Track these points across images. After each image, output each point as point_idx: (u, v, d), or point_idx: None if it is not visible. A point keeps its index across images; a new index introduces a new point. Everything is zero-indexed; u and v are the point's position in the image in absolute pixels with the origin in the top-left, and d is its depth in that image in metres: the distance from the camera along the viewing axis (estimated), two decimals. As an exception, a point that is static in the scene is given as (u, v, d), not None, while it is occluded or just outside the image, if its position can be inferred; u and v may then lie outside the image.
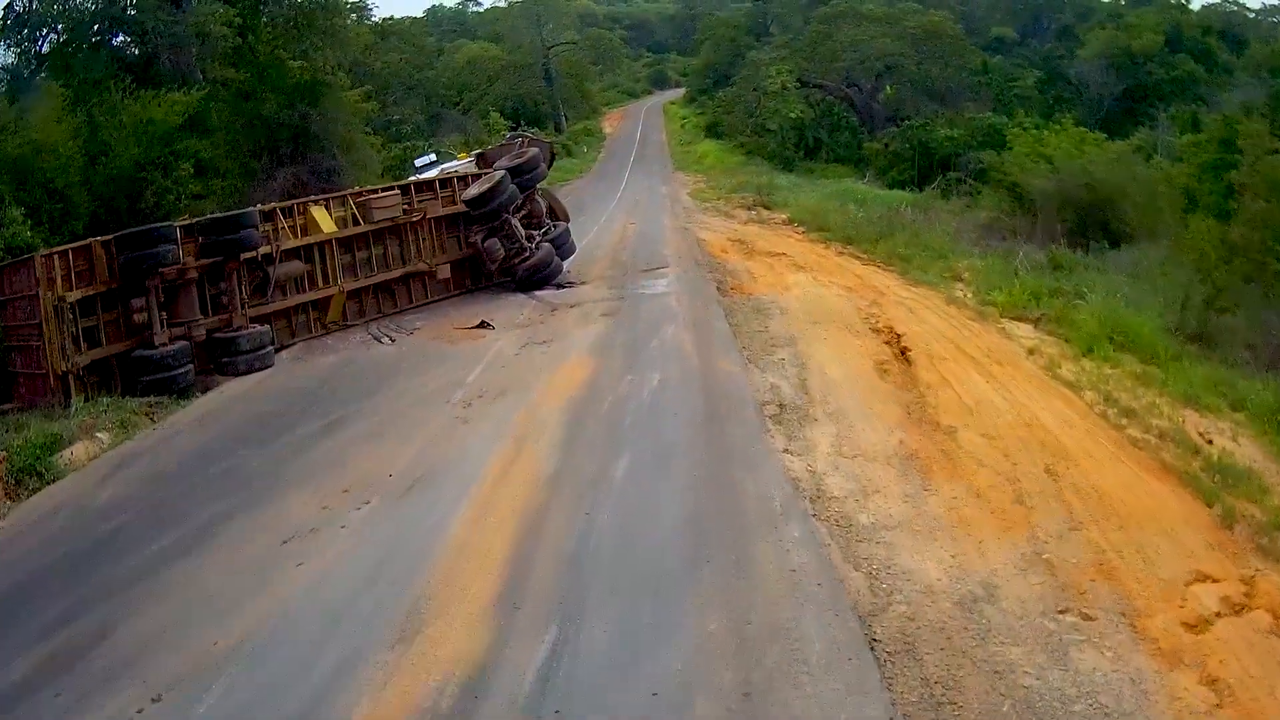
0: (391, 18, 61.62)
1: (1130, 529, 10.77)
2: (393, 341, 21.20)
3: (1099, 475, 12.20)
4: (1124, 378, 16.55)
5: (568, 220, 27.35)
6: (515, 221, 24.93)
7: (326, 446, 14.45)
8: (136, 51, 39.47)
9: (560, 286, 25.00)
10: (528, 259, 24.78)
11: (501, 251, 24.64)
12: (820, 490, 11.35)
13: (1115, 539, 10.53)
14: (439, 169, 30.54)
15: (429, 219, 24.44)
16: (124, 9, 38.65)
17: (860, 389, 15.43)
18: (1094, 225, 27.36)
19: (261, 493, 12.87)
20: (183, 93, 32.25)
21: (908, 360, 17.20)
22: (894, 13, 60.11)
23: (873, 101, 60.14)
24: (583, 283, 25.31)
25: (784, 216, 37.68)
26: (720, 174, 52.62)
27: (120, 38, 40.30)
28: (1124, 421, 14.29)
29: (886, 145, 54.59)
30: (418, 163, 32.45)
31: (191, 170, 29.62)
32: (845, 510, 10.82)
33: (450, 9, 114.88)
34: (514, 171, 25.23)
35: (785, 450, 12.64)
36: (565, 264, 26.42)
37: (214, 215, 21.08)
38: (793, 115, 56.46)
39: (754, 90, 59.98)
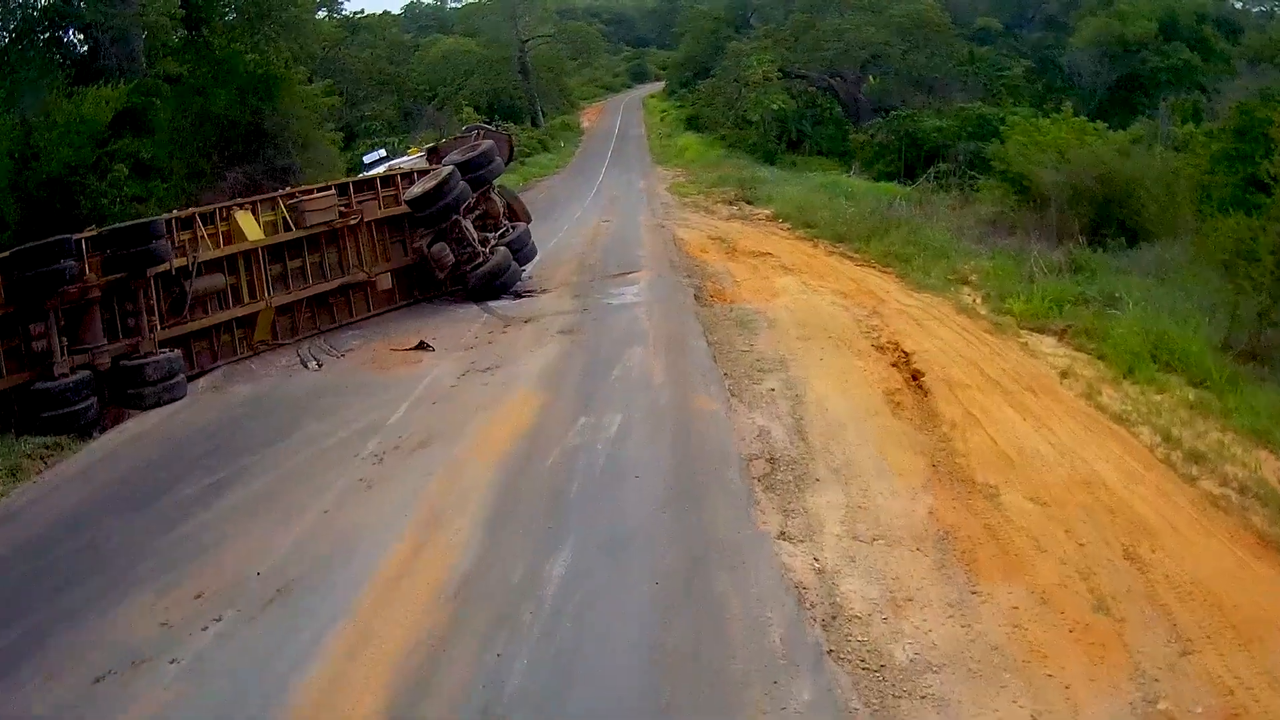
0: (362, 12, 57.97)
1: (1253, 647, 7.73)
2: (320, 366, 17.90)
3: (1191, 559, 9.11)
4: (1176, 407, 13.50)
5: (528, 220, 24.00)
6: (466, 223, 21.59)
7: (201, 520, 11.15)
8: (85, 49, 36.48)
9: (518, 296, 21.69)
10: (481, 265, 21.43)
11: (451, 257, 21.29)
12: (835, 604, 8.07)
13: (1241, 666, 7.47)
14: (387, 166, 27.03)
15: (367, 222, 21.06)
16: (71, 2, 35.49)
17: (871, 431, 12.16)
18: (1109, 221, 24.14)
19: (105, 589, 9.61)
20: (110, 87, 28.98)
21: (922, 388, 13.95)
22: (879, 1, 56.78)
23: (857, 92, 56.86)
24: (544, 291, 21.98)
25: (768, 212, 34.40)
26: (701, 168, 49.26)
27: (71, 34, 37.36)
28: (1195, 470, 11.28)
29: (872, 136, 51.28)
30: (367, 159, 28.97)
31: (127, 172, 26.62)
32: (872, 638, 7.55)
33: (428, 5, 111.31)
34: (464, 167, 21.89)
35: (781, 535, 9.35)
36: (526, 269, 23.13)
37: (117, 225, 17.66)
38: (775, 107, 53.11)
39: (735, 81, 56.59)
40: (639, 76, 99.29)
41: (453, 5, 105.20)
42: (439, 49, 73.64)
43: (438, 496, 10.80)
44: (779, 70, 55.08)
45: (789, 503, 10.02)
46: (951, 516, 9.81)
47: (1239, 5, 64.24)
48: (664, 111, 74.61)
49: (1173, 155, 29.19)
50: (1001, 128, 44.82)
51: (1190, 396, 13.90)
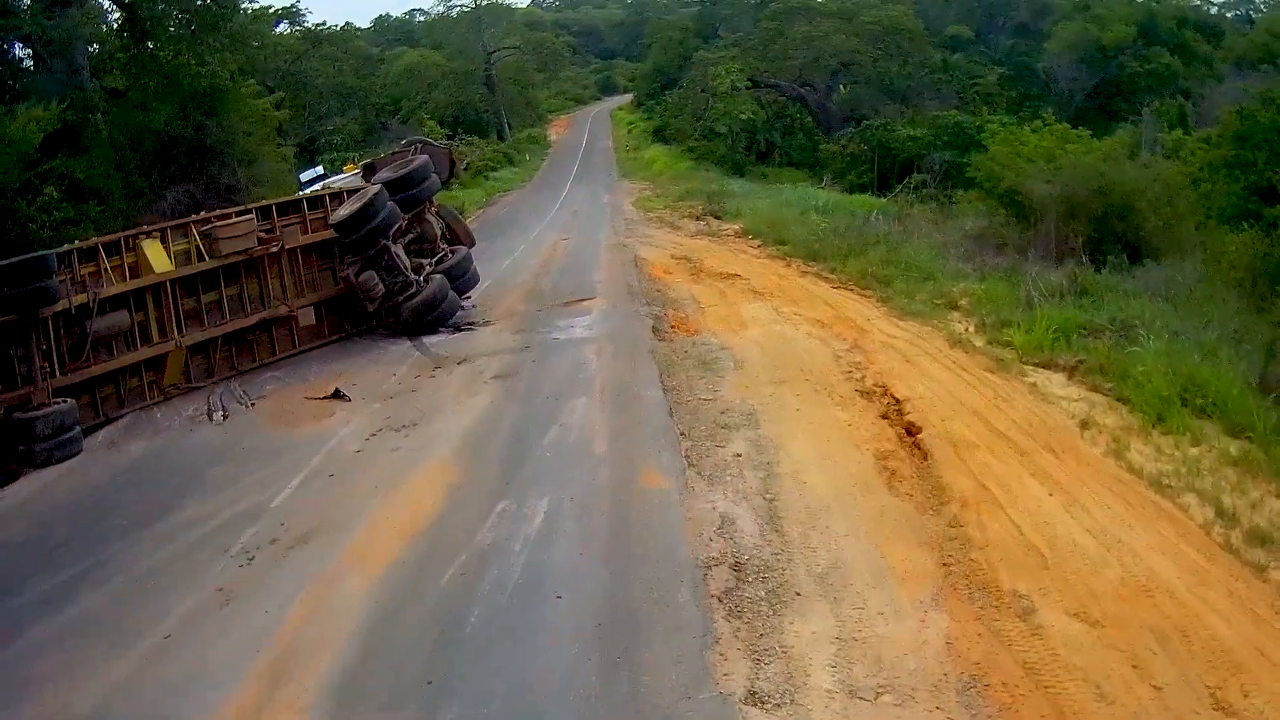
0: (324, 24, 54.96)
1: None
2: (224, 419, 15.22)
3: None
4: (1219, 465, 11.10)
5: (470, 243, 21.28)
6: (397, 249, 18.87)
7: (34, 638, 8.55)
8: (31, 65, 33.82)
9: (457, 329, 18.98)
10: (414, 296, 18.71)
11: (380, 287, 18.57)
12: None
13: None
14: (322, 184, 24.16)
15: (291, 249, 18.37)
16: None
17: (863, 515, 9.52)
18: (1108, 237, 21.62)
19: None
20: (43, 107, 26.31)
21: (921, 448, 11.33)
22: (849, 8, 54.26)
23: (828, 102, 54.40)
24: (486, 323, 19.26)
25: (737, 227, 31.78)
26: (668, 181, 46.63)
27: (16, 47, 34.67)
28: (1262, 557, 8.84)
29: (844, 147, 48.90)
30: (303, 177, 26.15)
31: (59, 195, 24.11)
32: None
33: (396, 18, 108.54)
34: (395, 185, 19.19)
35: (750, 696, 6.68)
36: (469, 298, 20.46)
37: (2, 262, 14.93)
38: (744, 117, 50.58)
39: (702, 92, 53.97)
40: (608, 89, 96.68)
41: (420, 19, 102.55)
42: (404, 62, 70.91)
43: (296, 629, 8.04)
44: (747, 80, 52.56)
45: (760, 637, 7.33)
46: (977, 649, 7.19)
47: (1214, 10, 62.06)
48: (631, 124, 72.02)
49: (1166, 163, 26.72)
50: (979, 136, 42.78)
51: (1232, 450, 11.43)
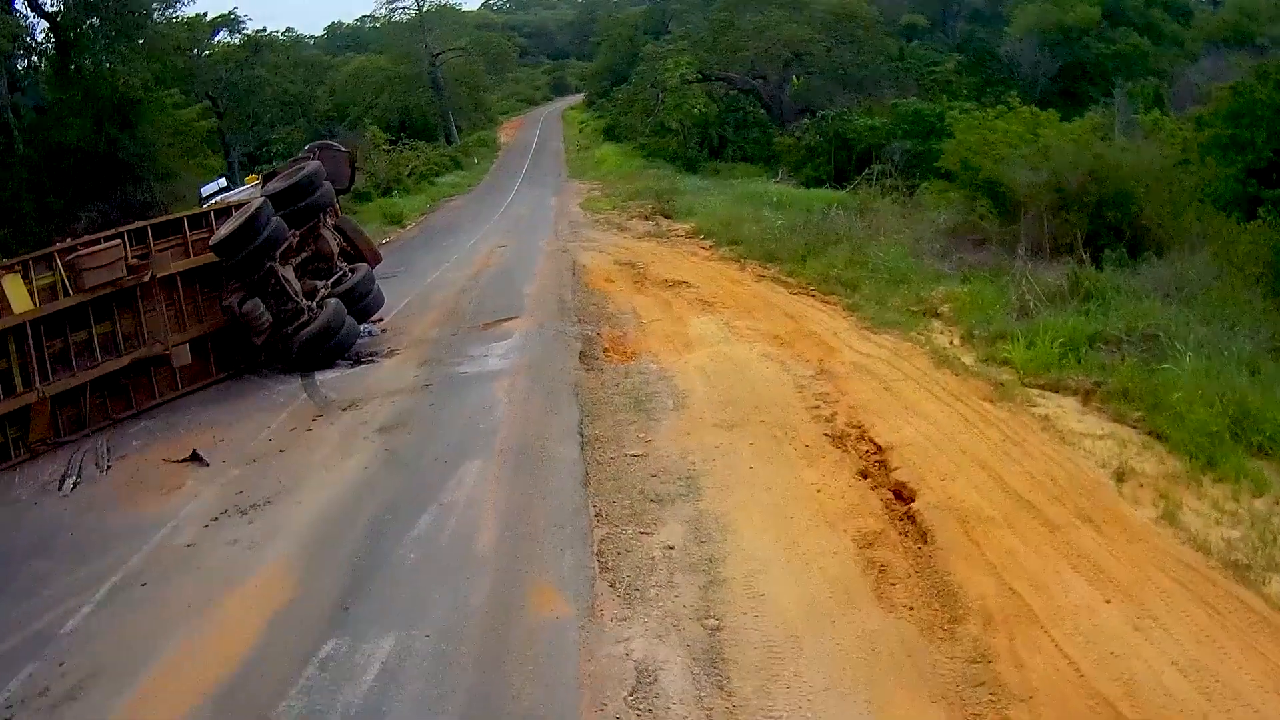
0: (264, 30, 51.27)
1: None
2: (74, 487, 12.07)
3: None
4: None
5: (375, 259, 18.12)
6: (285, 271, 15.70)
7: None
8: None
9: (358, 361, 15.78)
10: (307, 325, 15.49)
11: (267, 317, 15.36)
12: None
13: None
14: (221, 198, 20.79)
15: (167, 277, 15.17)
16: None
17: (846, 651, 6.48)
18: (1103, 229, 18.65)
19: None
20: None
21: (917, 526, 8.30)
22: (800, -3, 51.20)
23: (781, 94, 51.25)
24: (391, 353, 16.06)
25: (688, 227, 28.73)
26: (618, 180, 43.43)
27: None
28: None
29: (799, 139, 45.63)
30: (204, 191, 22.65)
31: None
32: None
33: (349, 25, 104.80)
34: (282, 197, 16.03)
35: None
36: (377, 321, 17.38)
37: None
38: (695, 111, 47.36)
39: (651, 86, 50.70)
40: (560, 89, 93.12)
41: (372, 25, 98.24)
42: (351, 67, 67.30)
43: None
44: (698, 73, 49.31)
45: None
46: None
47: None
48: (583, 123, 68.67)
49: (1153, 146, 23.76)
50: (941, 124, 39.95)
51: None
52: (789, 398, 11.74)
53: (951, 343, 14.21)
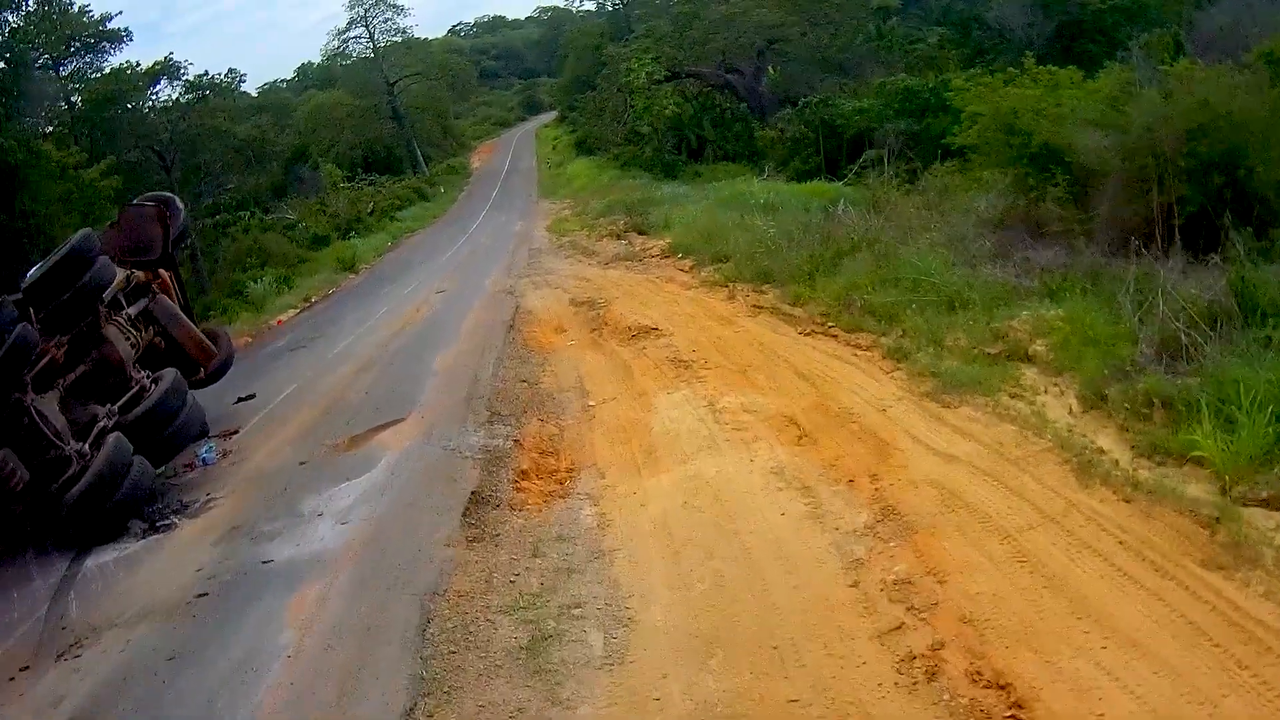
0: (206, 74, 44.97)
1: None
2: None
3: None
4: None
5: (206, 356, 12.19)
6: (41, 404, 9.72)
7: None
8: None
9: (153, 525, 9.66)
10: (76, 480, 9.42)
11: (21, 473, 9.37)
12: None
13: None
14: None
15: None
16: None
17: None
18: (1219, 204, 12.54)
19: None
20: None
21: None
22: (768, -22, 45.00)
23: (757, 85, 45.08)
24: (206, 504, 9.99)
25: (663, 243, 22.77)
26: (590, 195, 37.40)
27: None
28: None
29: (783, 131, 39.59)
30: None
31: None
32: None
33: (318, 65, 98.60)
34: (36, 292, 10.06)
35: None
36: (224, 436, 11.40)
37: None
38: (667, 113, 41.30)
39: (618, 91, 44.63)
40: (532, 108, 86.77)
41: (343, 63, 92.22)
42: (311, 104, 61.31)
43: None
44: (667, 71, 43.18)
45: None
46: None
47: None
48: (556, 139, 62.52)
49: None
50: (937, 99, 34.03)
51: None
52: (835, 606, 5.70)
53: (1071, 411, 8.17)
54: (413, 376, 13.14)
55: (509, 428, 10.07)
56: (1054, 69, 22.01)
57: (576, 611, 5.95)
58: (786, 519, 6.82)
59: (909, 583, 5.68)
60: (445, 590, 6.46)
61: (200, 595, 7.42)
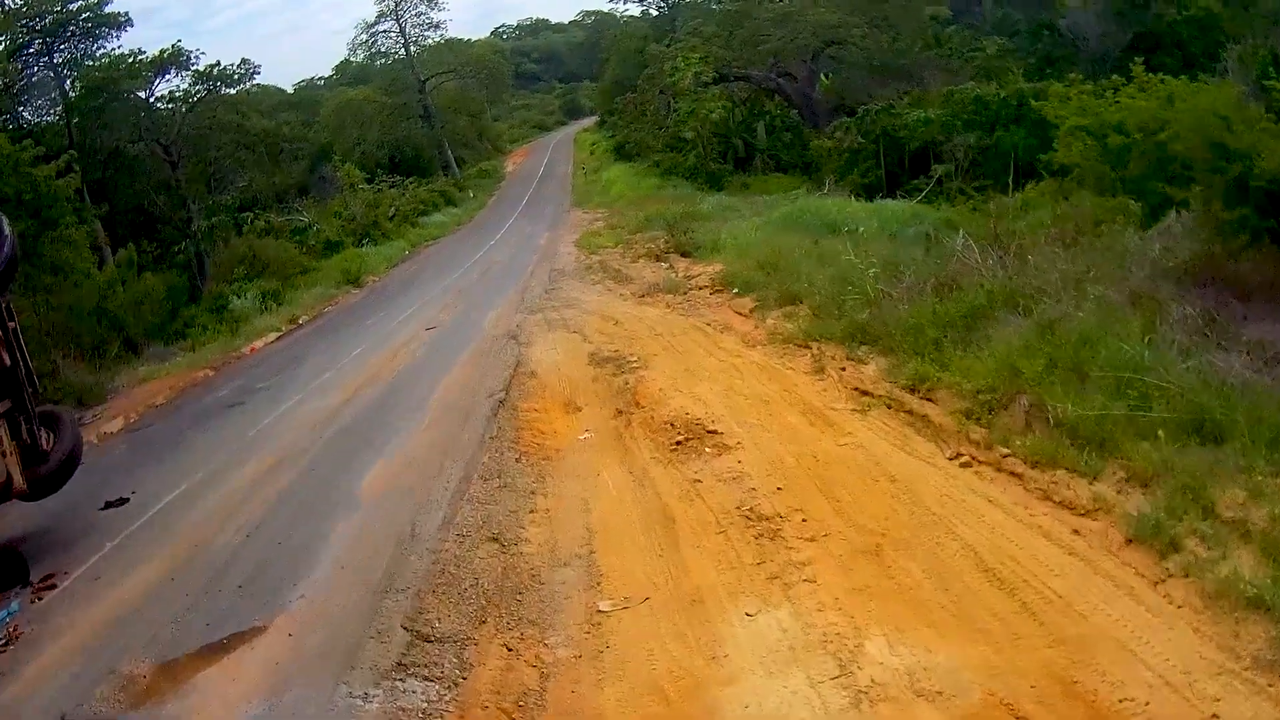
0: (218, 64, 39.90)
1: None
2: None
3: None
4: None
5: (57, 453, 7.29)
6: None
7: None
8: None
9: None
10: None
11: None
12: None
13: None
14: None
15: None
16: None
17: None
18: None
19: None
20: None
21: None
22: (828, -26, 39.63)
23: (811, 91, 39.81)
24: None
25: (713, 270, 17.74)
26: (627, 205, 32.41)
27: None
28: None
29: (839, 141, 34.27)
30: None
31: None
32: None
33: (356, 64, 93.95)
34: None
35: None
36: (37, 591, 6.59)
37: None
38: (713, 117, 36.15)
39: (661, 93, 39.51)
40: (573, 112, 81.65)
41: (381, 62, 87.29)
42: (337, 100, 56.47)
43: None
44: (713, 72, 37.99)
45: None
46: None
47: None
48: (594, 144, 57.41)
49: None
50: (1018, 110, 29.13)
51: None
52: None
53: None
54: (321, 513, 8.11)
55: (442, 672, 5.02)
56: (1166, 78, 16.77)
57: None
58: None
59: None
60: None
61: None
